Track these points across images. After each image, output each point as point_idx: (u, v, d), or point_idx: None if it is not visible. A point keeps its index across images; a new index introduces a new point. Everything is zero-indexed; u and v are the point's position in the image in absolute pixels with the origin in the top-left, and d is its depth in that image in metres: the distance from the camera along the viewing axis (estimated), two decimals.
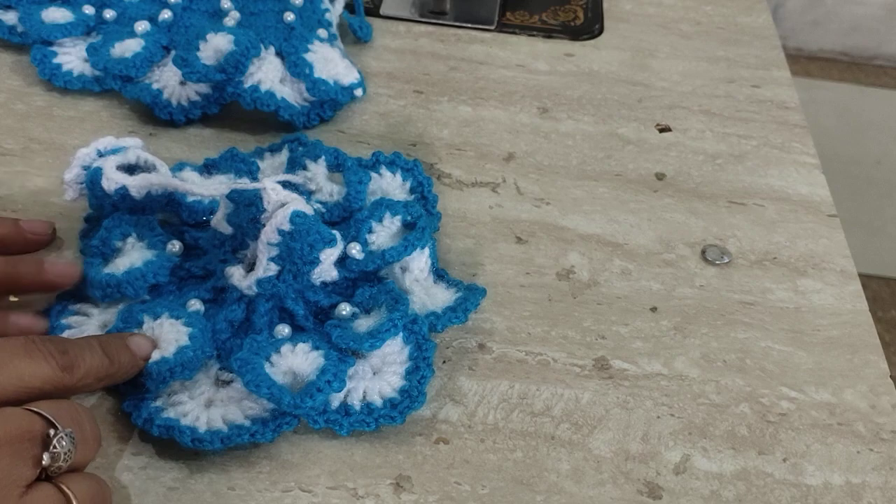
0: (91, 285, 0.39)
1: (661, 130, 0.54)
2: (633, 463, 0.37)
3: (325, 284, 0.40)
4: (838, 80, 1.79)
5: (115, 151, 0.42)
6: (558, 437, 0.38)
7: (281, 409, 0.36)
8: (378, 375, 0.38)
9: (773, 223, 0.49)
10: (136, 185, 0.41)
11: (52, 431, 0.30)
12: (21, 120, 0.50)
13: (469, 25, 0.61)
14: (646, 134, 0.54)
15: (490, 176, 0.50)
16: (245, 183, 0.41)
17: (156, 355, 0.36)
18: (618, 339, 0.42)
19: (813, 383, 0.41)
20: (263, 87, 0.49)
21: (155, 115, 0.50)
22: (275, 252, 0.38)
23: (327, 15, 0.56)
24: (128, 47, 0.51)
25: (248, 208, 0.39)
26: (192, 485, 0.35)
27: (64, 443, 0.29)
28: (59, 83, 0.51)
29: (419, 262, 0.42)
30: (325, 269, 0.39)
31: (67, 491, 0.29)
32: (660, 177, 0.51)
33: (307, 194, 0.44)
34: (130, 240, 0.41)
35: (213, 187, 0.40)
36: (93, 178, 0.41)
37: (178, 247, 0.41)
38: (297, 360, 0.37)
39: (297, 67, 0.50)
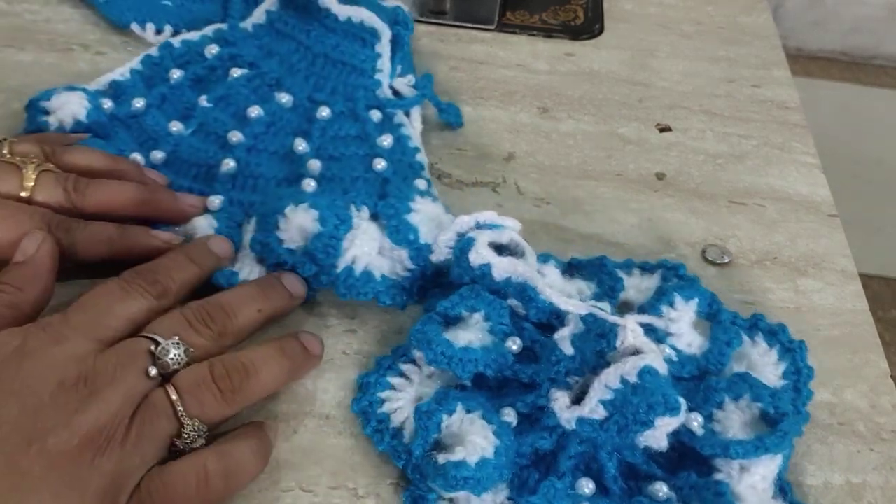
0: (426, 343, 0.37)
1: (662, 130, 0.54)
2: None
3: (648, 450, 0.35)
4: (839, 79, 1.79)
5: (492, 227, 0.40)
6: None
7: None
8: None
9: (774, 223, 0.49)
10: (501, 267, 0.38)
11: (152, 347, 0.34)
12: (21, 120, 0.50)
13: (469, 25, 0.61)
14: (646, 134, 0.54)
15: (490, 176, 0.50)
16: (605, 311, 0.38)
17: (457, 455, 0.33)
18: None
19: (813, 383, 0.41)
20: (358, 267, 0.40)
21: None
22: (609, 396, 0.34)
23: (419, 156, 0.48)
24: (198, 227, 0.42)
25: (598, 338, 0.35)
26: None
27: (170, 351, 0.34)
28: None
29: (765, 469, 0.34)
30: (656, 436, 0.34)
31: (170, 390, 0.34)
32: (660, 176, 0.51)
33: (664, 336, 0.39)
34: (477, 316, 0.38)
35: (573, 303, 0.38)
36: (463, 247, 0.39)
37: (517, 345, 0.38)
38: None
39: (399, 234, 0.41)
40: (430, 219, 0.42)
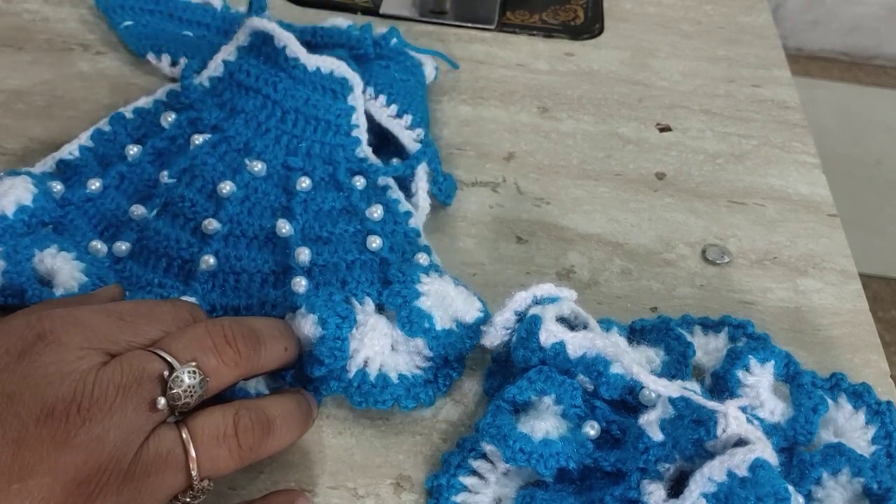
0: (500, 438, 0.34)
1: (662, 130, 0.54)
2: None
3: None
4: (839, 79, 1.79)
5: (551, 301, 0.37)
6: None
7: None
8: None
9: (774, 223, 0.49)
10: (577, 343, 0.35)
11: (165, 372, 0.29)
12: (21, 120, 0.50)
13: (469, 25, 0.61)
14: (646, 133, 0.54)
15: (490, 176, 0.50)
16: (697, 394, 0.34)
17: None
18: None
19: None
20: (372, 371, 0.37)
21: None
22: (712, 489, 0.31)
23: (411, 222, 0.43)
24: None
25: (694, 426, 0.33)
26: None
27: (184, 381, 0.29)
28: None
29: None
30: None
31: (185, 435, 0.29)
32: (660, 176, 0.51)
33: (746, 407, 0.36)
34: (547, 400, 0.35)
35: (663, 384, 0.34)
36: (530, 327, 0.36)
37: (595, 430, 0.34)
38: None
39: (413, 325, 0.37)
40: (441, 298, 0.38)
